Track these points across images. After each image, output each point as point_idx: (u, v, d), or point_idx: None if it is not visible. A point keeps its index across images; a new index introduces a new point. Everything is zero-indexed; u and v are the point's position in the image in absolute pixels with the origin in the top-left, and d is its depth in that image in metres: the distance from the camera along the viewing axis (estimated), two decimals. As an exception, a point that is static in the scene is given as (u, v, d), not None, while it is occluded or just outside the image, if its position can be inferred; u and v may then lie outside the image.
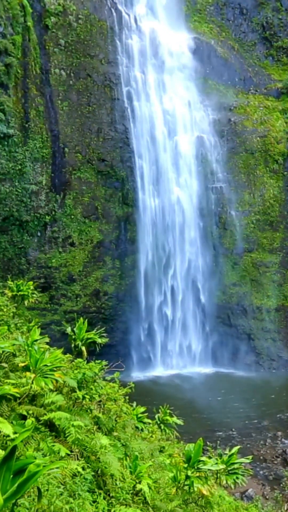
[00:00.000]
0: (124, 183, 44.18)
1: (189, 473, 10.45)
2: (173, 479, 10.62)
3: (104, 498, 8.01)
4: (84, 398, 10.52)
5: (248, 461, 14.04)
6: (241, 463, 13.58)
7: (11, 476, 4.99)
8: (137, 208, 44.31)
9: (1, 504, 4.70)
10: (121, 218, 44.48)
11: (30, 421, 7.72)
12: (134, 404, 16.23)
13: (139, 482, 9.25)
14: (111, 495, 8.39)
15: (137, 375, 41.46)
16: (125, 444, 11.06)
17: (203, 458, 10.93)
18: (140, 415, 15.75)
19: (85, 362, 12.24)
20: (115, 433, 11.18)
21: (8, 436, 6.94)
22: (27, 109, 39.59)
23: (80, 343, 15.50)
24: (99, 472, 8.53)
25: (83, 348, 15.45)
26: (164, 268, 45.17)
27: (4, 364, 9.96)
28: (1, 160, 37.98)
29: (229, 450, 14.06)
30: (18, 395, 8.79)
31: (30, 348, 9.71)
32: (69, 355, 14.03)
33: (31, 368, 9.26)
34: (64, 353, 12.03)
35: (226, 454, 13.77)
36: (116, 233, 44.45)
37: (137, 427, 14.95)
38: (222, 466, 12.78)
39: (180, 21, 49.29)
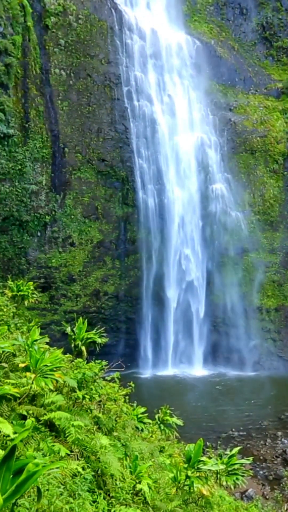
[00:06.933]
0: (124, 183, 44.17)
1: (189, 473, 10.44)
2: (173, 479, 10.62)
3: (104, 498, 8.00)
4: (84, 398, 10.52)
5: (248, 462, 14.04)
6: (241, 464, 13.56)
7: (11, 476, 4.99)
8: (137, 208, 44.30)
9: (0, 504, 4.69)
10: (121, 218, 44.47)
11: (30, 421, 7.71)
12: (135, 404, 16.24)
13: (139, 482, 9.24)
14: (111, 495, 8.38)
15: (137, 375, 41.42)
16: (125, 444, 11.05)
17: (203, 458, 10.93)
18: (140, 415, 15.74)
19: (85, 362, 12.24)
20: (115, 433, 11.17)
21: (8, 436, 6.94)
22: (27, 109, 39.58)
23: (80, 343, 15.50)
24: (99, 472, 8.52)
25: (83, 348, 15.45)
26: (164, 268, 45.15)
27: (4, 364, 9.95)
28: (1, 160, 37.96)
29: (230, 451, 14.06)
30: (18, 395, 8.79)
31: (30, 348, 9.70)
32: (69, 355, 14.03)
33: (31, 368, 9.25)
34: (64, 353, 12.02)
35: (227, 454, 13.76)
36: (116, 233, 44.44)
37: (137, 427, 14.95)
38: (222, 467, 12.77)
39: (180, 21, 49.32)
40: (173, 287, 45.27)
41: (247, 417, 34.27)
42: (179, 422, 17.43)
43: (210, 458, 13.03)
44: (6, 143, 38.23)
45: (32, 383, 8.94)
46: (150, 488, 9.26)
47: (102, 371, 12.53)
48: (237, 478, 12.99)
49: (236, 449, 13.85)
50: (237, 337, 45.66)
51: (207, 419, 33.69)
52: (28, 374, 9.28)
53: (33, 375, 9.03)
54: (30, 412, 8.67)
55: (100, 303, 43.81)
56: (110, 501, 8.16)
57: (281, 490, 24.37)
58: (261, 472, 27.05)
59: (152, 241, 44.84)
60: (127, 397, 14.15)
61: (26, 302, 22.16)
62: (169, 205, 45.00)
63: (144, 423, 15.90)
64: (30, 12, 39.31)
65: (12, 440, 6.62)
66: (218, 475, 12.89)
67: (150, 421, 16.46)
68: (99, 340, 16.03)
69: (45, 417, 8.73)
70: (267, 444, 30.42)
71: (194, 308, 45.63)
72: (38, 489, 5.61)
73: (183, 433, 19.63)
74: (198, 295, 45.69)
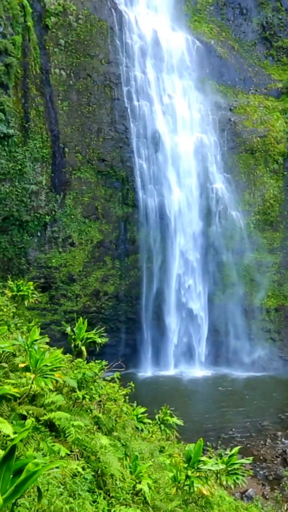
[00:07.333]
0: (124, 183, 44.17)
1: (189, 473, 10.44)
2: (173, 479, 10.61)
3: (104, 498, 8.00)
4: (84, 398, 10.52)
5: (248, 462, 14.02)
6: (241, 463, 13.55)
7: (11, 476, 4.99)
8: (137, 208, 44.30)
9: (1, 504, 4.69)
10: (121, 218, 44.47)
11: (30, 421, 7.70)
12: (135, 404, 16.23)
13: (139, 482, 9.24)
14: (111, 495, 8.38)
15: (137, 375, 41.41)
16: (125, 444, 11.04)
17: (203, 458, 10.92)
18: (140, 416, 15.73)
19: (85, 362, 12.23)
20: (115, 433, 11.17)
21: (8, 436, 6.94)
22: (27, 109, 39.57)
23: (80, 343, 15.50)
24: (99, 472, 8.52)
25: (83, 348, 15.45)
26: (164, 268, 45.15)
27: (4, 364, 9.95)
28: (1, 160, 37.96)
29: (230, 451, 14.04)
30: (18, 395, 8.78)
31: (30, 348, 9.70)
32: (69, 355, 14.03)
33: (31, 368, 9.24)
34: (64, 353, 12.02)
35: (227, 454, 13.75)
36: (116, 233, 44.44)
37: (137, 428, 14.94)
38: (222, 466, 12.76)
39: (180, 21, 49.30)
40: (173, 287, 45.27)
41: (247, 417, 34.26)
42: (180, 422, 17.43)
43: (210, 458, 13.02)
44: (6, 143, 38.23)
45: (32, 383, 8.94)
46: (150, 488, 9.26)
47: (102, 371, 12.52)
48: (237, 478, 12.98)
49: (236, 449, 13.83)
50: (238, 337, 45.65)
51: (207, 419, 33.68)
52: (28, 374, 9.27)
53: (33, 375, 9.02)
54: (30, 412, 8.67)
55: (100, 303, 43.81)
56: (110, 501, 8.16)
57: (281, 490, 24.37)
58: (261, 472, 27.04)
59: (152, 241, 44.85)
60: (127, 397, 14.15)
61: (26, 302, 22.17)
62: (169, 205, 45.00)
63: (144, 423, 15.89)
64: (30, 12, 39.31)
65: (12, 440, 6.61)
66: (218, 475, 12.87)
67: (150, 421, 16.46)
68: (99, 340, 16.03)
69: (45, 417, 8.73)
70: (267, 444, 30.41)
71: (194, 308, 45.61)
72: (38, 489, 5.61)
73: (183, 433, 19.63)
74: (198, 295, 45.64)
